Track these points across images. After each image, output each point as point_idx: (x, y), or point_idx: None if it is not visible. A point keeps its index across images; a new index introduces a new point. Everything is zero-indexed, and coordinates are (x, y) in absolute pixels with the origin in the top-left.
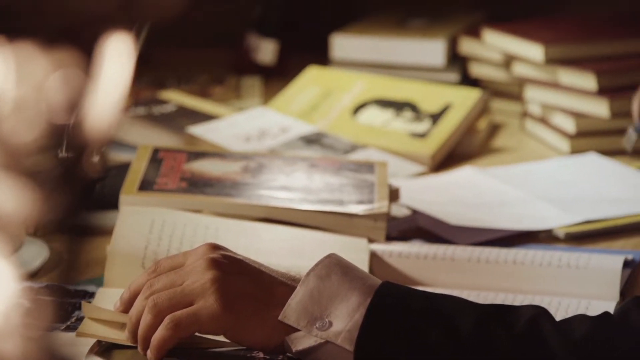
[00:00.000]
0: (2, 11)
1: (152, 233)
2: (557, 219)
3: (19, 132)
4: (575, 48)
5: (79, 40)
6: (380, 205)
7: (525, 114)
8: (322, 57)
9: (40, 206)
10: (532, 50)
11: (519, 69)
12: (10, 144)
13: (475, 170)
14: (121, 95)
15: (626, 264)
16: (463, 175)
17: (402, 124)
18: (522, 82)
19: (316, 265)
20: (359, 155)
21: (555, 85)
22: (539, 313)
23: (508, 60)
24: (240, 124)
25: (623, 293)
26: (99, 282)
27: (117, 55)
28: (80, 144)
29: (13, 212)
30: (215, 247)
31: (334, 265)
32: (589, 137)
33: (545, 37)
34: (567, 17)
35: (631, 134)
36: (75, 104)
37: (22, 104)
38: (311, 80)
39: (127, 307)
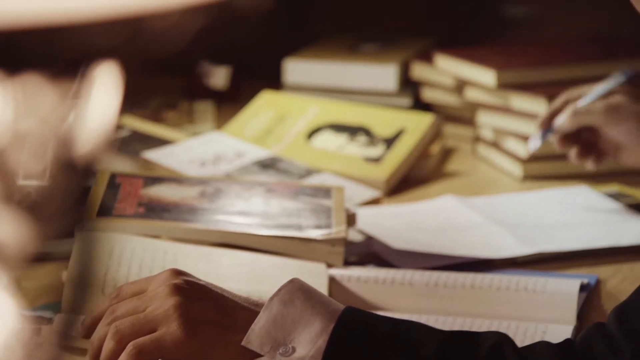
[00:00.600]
0: (9, 43)
1: (111, 259)
2: (513, 249)
3: (23, 164)
4: (527, 73)
5: (86, 73)
6: (338, 230)
7: (477, 139)
8: (274, 82)
9: (35, 235)
10: (484, 75)
11: (471, 94)
12: (12, 175)
13: (452, 199)
14: (111, 124)
15: (582, 287)
16: (438, 203)
17: (357, 148)
18: (474, 106)
19: (279, 290)
20: (314, 180)
21: (507, 110)
22: (502, 340)
23: (460, 85)
24: (195, 149)
25: (579, 317)
26: (56, 307)
27: (105, 84)
28: (71, 171)
29: (11, 244)
30: (177, 273)
31: (297, 290)
32: (541, 161)
33: (497, 62)
34: (518, 42)
35: (536, 141)
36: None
37: (28, 137)
38: (265, 105)
39: (88, 333)
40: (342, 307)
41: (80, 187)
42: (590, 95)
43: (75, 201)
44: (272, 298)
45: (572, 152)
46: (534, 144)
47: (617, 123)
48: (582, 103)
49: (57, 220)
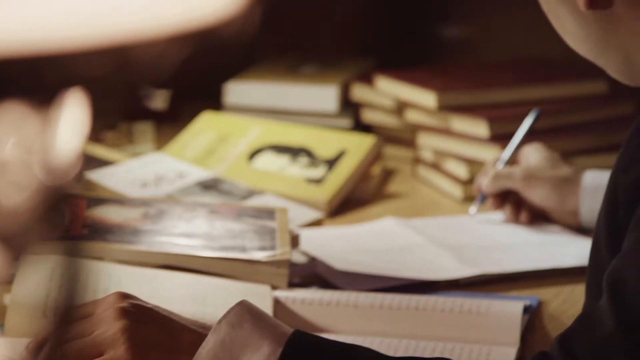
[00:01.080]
0: None
1: (53, 281)
2: (456, 271)
3: (9, 194)
4: (467, 95)
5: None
6: (282, 251)
7: (417, 160)
8: (215, 104)
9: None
10: (424, 97)
11: (412, 116)
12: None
13: (394, 221)
14: (77, 151)
15: (525, 309)
16: (381, 225)
17: (298, 169)
18: (415, 128)
19: (228, 312)
20: (256, 201)
21: (447, 132)
22: None
23: (400, 107)
24: (136, 170)
25: (523, 339)
26: None
27: (73, 112)
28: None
29: None
30: (124, 296)
31: (245, 313)
32: None
33: (437, 84)
34: (458, 65)
35: (474, 206)
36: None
37: (13, 166)
38: (206, 126)
39: (33, 357)
40: (290, 330)
41: (50, 212)
42: (510, 146)
43: (45, 226)
44: (220, 321)
45: (506, 211)
46: (472, 209)
47: (533, 189)
48: (504, 155)
49: (25, 243)
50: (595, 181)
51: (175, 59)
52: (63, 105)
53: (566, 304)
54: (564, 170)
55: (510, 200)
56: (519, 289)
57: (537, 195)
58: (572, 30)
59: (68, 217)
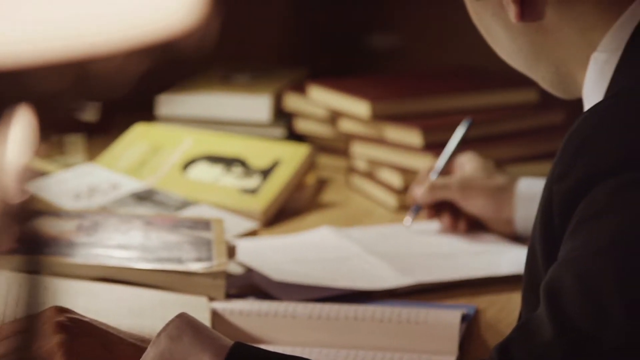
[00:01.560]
0: None
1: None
2: (393, 280)
3: None
4: (401, 104)
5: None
6: (219, 262)
7: (351, 170)
8: (147, 115)
9: None
10: (358, 107)
11: (345, 125)
12: None
13: (330, 230)
14: (23, 167)
15: (462, 318)
16: (317, 234)
17: (233, 179)
18: (349, 137)
19: (167, 325)
20: (191, 212)
21: (381, 141)
22: None
23: (334, 116)
24: (68, 181)
25: (461, 348)
26: None
27: (20, 128)
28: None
29: None
30: (61, 310)
31: (185, 326)
32: None
33: (370, 93)
34: (391, 74)
35: (409, 217)
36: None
37: None
38: (139, 137)
39: None
40: (230, 342)
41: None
42: (443, 156)
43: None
44: (159, 334)
45: (443, 221)
46: (408, 220)
47: (470, 199)
48: (438, 165)
49: None
50: (529, 189)
51: (134, 73)
52: (12, 121)
53: (502, 312)
54: (499, 179)
55: (447, 210)
56: (454, 298)
57: (474, 205)
58: (505, 43)
59: (19, 231)
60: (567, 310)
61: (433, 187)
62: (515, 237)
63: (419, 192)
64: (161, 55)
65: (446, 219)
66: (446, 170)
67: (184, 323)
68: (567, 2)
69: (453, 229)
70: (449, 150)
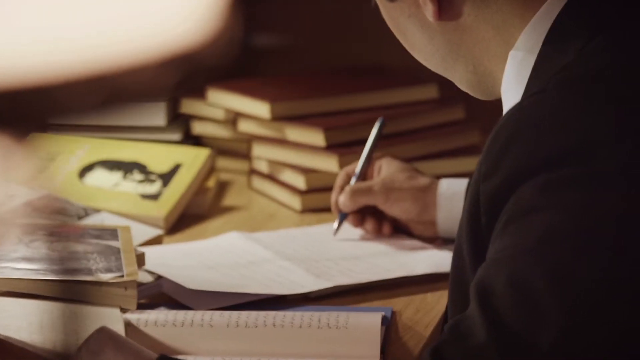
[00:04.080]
0: None
1: None
2: (309, 284)
3: None
4: (302, 105)
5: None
6: (129, 271)
7: (253, 171)
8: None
9: None
10: (258, 108)
11: (245, 127)
12: None
13: (239, 235)
14: None
15: (382, 320)
16: (225, 240)
17: (132, 185)
18: (249, 139)
19: (87, 340)
20: (92, 220)
21: (283, 142)
22: None
23: (233, 118)
24: None
25: (382, 351)
26: None
27: None
28: None
29: None
30: None
31: (106, 340)
32: (320, 192)
33: (270, 94)
34: (290, 74)
35: (335, 225)
36: None
37: None
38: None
39: None
40: (154, 355)
41: None
42: (361, 159)
43: None
44: (80, 348)
45: (367, 226)
46: (334, 229)
47: (394, 202)
48: (357, 169)
49: None
50: (450, 189)
51: (163, 85)
52: None
53: (419, 313)
54: (422, 180)
55: (370, 215)
56: (369, 301)
57: (398, 208)
58: (422, 45)
59: None
60: (499, 311)
61: (356, 193)
62: (430, 238)
63: (341, 199)
64: (185, 66)
65: (370, 224)
66: (364, 174)
67: (104, 337)
68: (483, 0)
69: (378, 232)
70: (365, 153)
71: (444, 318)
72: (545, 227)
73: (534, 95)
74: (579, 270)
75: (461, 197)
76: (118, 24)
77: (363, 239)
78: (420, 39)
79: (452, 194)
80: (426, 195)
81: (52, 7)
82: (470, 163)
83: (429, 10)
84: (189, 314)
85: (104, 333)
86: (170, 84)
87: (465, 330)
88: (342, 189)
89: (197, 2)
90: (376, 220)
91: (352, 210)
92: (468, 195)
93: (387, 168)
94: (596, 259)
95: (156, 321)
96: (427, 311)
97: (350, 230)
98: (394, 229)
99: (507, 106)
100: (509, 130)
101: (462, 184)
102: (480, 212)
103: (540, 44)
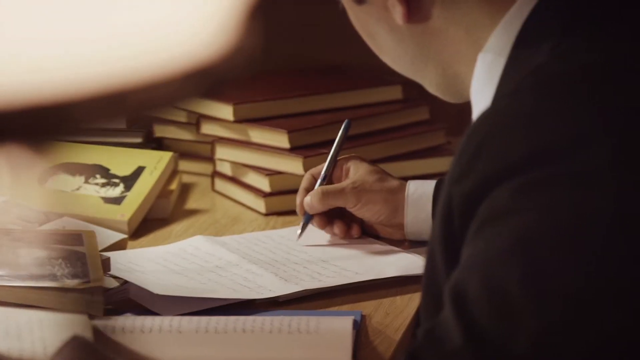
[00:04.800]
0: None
1: None
2: (279, 288)
3: None
4: (265, 106)
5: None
6: (95, 277)
7: (216, 174)
8: None
9: None
10: (220, 110)
11: (208, 129)
12: None
13: (204, 239)
14: None
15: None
16: (190, 244)
17: (95, 189)
18: (212, 142)
19: (60, 349)
20: (54, 225)
21: (247, 144)
22: None
23: (196, 120)
24: None
25: (354, 356)
26: None
27: None
28: None
29: None
30: None
31: (80, 348)
32: (285, 195)
33: (233, 96)
34: (254, 76)
35: (299, 228)
36: None
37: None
38: None
39: None
40: None
41: None
42: (327, 161)
43: None
44: (53, 358)
45: (335, 229)
46: (299, 231)
47: (364, 205)
48: (323, 171)
49: None
50: (417, 191)
51: (180, 98)
52: None
53: (389, 317)
54: (392, 182)
55: (338, 218)
56: (338, 305)
57: (369, 210)
58: (390, 48)
59: None
60: (474, 315)
61: (326, 194)
62: (401, 241)
63: (308, 201)
64: (205, 80)
65: (339, 227)
66: (330, 177)
67: (78, 345)
68: (453, 1)
69: (347, 235)
70: (332, 155)
71: (415, 321)
72: (520, 230)
73: (507, 97)
74: (554, 273)
75: (428, 199)
76: (134, 36)
77: (329, 242)
78: (389, 43)
79: (419, 196)
80: (396, 197)
81: (66, 19)
82: (436, 164)
83: (397, 13)
84: (157, 319)
85: (77, 341)
86: (187, 98)
87: (441, 335)
88: (307, 191)
89: (214, 14)
90: (344, 223)
91: (320, 211)
92: (440, 198)
93: (355, 170)
94: (572, 261)
95: (124, 328)
96: (396, 314)
97: (316, 233)
98: (361, 232)
99: (477, 108)
100: (482, 132)
101: (429, 185)
102: (453, 215)
103: (510, 45)
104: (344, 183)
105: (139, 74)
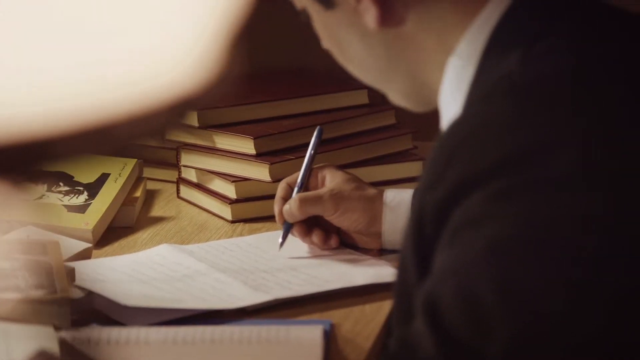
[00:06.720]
0: None
1: None
2: (248, 298)
3: None
4: (230, 112)
5: None
6: (61, 288)
7: (181, 181)
8: None
9: None
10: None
11: (173, 135)
12: None
13: (170, 248)
14: None
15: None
16: (156, 253)
17: (57, 197)
18: (177, 148)
19: None
20: (17, 234)
21: (212, 150)
22: None
23: None
24: None
25: None
26: None
27: None
28: None
29: None
30: None
31: None
32: (251, 202)
33: None
34: None
35: (280, 238)
36: None
37: None
38: None
39: None
40: None
41: None
42: (302, 169)
43: None
44: None
45: (314, 238)
46: (280, 241)
47: (343, 213)
48: (299, 179)
49: None
50: (396, 199)
51: (159, 129)
52: None
53: (359, 325)
54: (370, 190)
55: (316, 226)
56: (307, 313)
57: (347, 219)
58: (359, 56)
59: None
60: (446, 323)
61: (304, 202)
62: (370, 249)
63: (287, 209)
64: (184, 110)
65: (317, 236)
66: (305, 185)
67: (44, 358)
68: (424, 4)
69: (325, 246)
70: (305, 163)
71: (386, 330)
72: (493, 237)
73: (478, 103)
74: (528, 280)
75: (406, 208)
76: (113, 68)
77: (309, 252)
78: (358, 50)
79: (397, 203)
80: (374, 206)
81: (42, 51)
82: (403, 169)
83: (371, 16)
84: (124, 330)
85: (43, 355)
86: (171, 128)
87: (414, 344)
88: (284, 200)
89: (196, 43)
90: (323, 232)
91: (299, 220)
92: (412, 205)
93: (332, 178)
94: (545, 268)
95: (90, 339)
96: (366, 323)
97: (295, 243)
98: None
99: (446, 114)
100: (454, 139)
101: (407, 193)
102: (425, 223)
103: (480, 51)
104: (322, 190)
105: (122, 105)
